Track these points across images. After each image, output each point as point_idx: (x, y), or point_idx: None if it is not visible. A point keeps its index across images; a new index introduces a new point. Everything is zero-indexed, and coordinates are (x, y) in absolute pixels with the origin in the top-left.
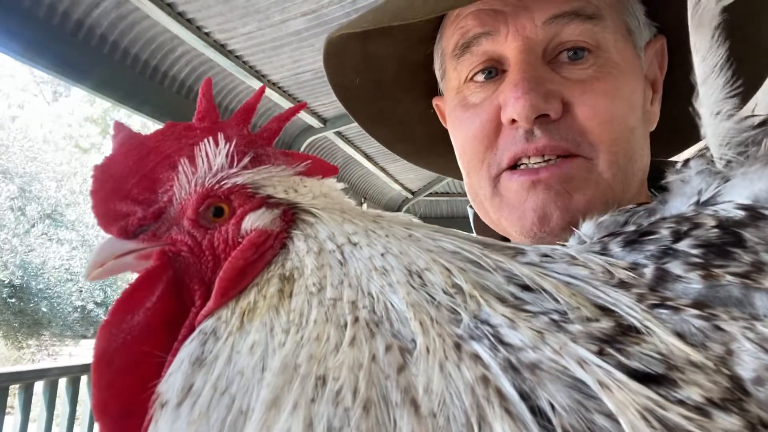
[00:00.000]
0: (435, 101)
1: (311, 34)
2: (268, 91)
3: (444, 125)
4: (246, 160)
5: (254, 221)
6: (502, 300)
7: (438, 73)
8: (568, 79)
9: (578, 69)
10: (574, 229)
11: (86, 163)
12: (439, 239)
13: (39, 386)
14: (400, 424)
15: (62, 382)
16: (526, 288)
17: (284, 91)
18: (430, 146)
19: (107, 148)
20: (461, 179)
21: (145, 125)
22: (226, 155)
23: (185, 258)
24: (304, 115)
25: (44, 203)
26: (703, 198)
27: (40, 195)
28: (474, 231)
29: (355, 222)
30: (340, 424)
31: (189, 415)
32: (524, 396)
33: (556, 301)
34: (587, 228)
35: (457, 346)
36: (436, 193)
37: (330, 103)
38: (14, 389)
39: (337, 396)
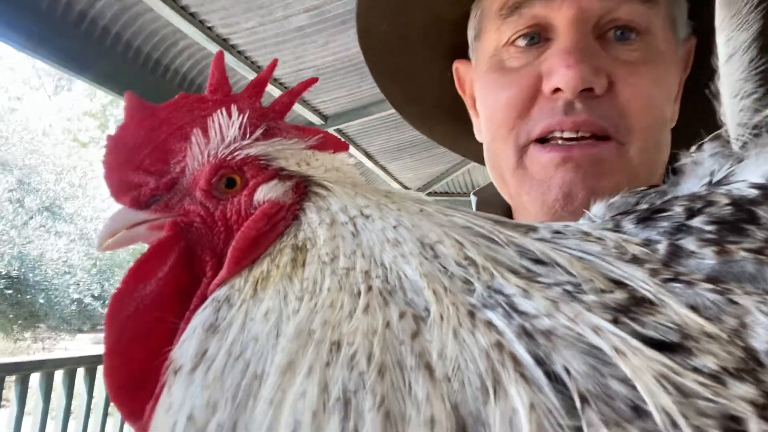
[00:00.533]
0: (456, 64)
1: (313, 30)
2: (270, 88)
3: (459, 91)
4: (259, 132)
5: (267, 193)
6: (515, 272)
7: (471, 33)
8: (616, 58)
9: (626, 49)
10: (585, 210)
11: (85, 157)
12: (450, 214)
13: (35, 379)
14: (415, 388)
15: (58, 375)
16: (539, 262)
17: (286, 87)
18: (437, 112)
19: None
20: (460, 153)
21: None
22: (239, 127)
23: (197, 229)
24: (305, 112)
25: (43, 196)
26: (716, 178)
27: (39, 187)
28: None
29: (368, 196)
30: (355, 387)
31: (203, 380)
32: (539, 361)
33: (570, 274)
34: (597, 209)
35: (471, 314)
36: (436, 192)
37: (331, 101)
38: (10, 382)
39: (352, 360)
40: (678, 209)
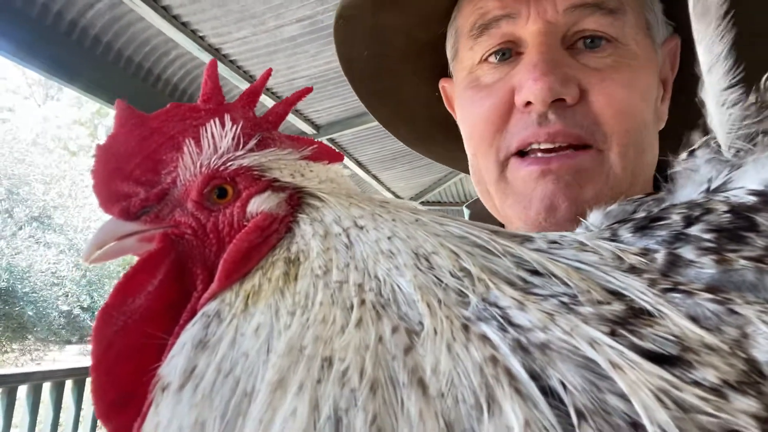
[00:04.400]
0: (442, 83)
1: (306, 40)
2: (263, 98)
3: (448, 109)
4: (252, 142)
5: (260, 204)
6: (511, 284)
7: (450, 53)
8: (586, 66)
9: (596, 57)
10: (581, 219)
11: (75, 166)
12: (446, 224)
13: (22, 391)
14: (407, 405)
15: (46, 387)
16: (535, 273)
17: (278, 97)
18: (431, 132)
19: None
20: (461, 170)
21: None
22: (233, 137)
23: (188, 241)
24: (297, 122)
25: (32, 206)
26: (714, 185)
27: (28, 198)
28: None
29: (362, 206)
30: (346, 405)
31: (192, 398)
32: (534, 376)
33: (566, 285)
34: (594, 217)
35: (465, 328)
36: (428, 201)
37: (324, 110)
38: None
39: (344, 377)
40: (676, 217)
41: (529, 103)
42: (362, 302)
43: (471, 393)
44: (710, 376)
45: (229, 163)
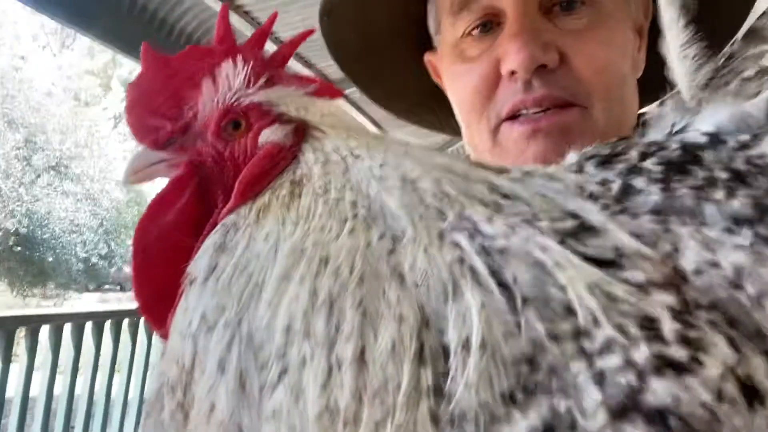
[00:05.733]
0: (427, 57)
1: None
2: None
3: (436, 80)
4: (262, 80)
5: (269, 135)
6: (485, 204)
7: (432, 28)
8: (564, 30)
9: (572, 19)
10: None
11: (89, 116)
12: (433, 156)
13: (44, 332)
14: (388, 292)
15: (67, 328)
16: (506, 196)
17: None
18: (423, 103)
19: (108, 102)
20: (454, 135)
21: None
22: (244, 76)
23: (209, 167)
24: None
25: (49, 155)
26: (676, 129)
27: (45, 147)
28: None
29: (358, 138)
30: (338, 292)
31: (214, 288)
32: (493, 272)
33: (531, 206)
34: (571, 157)
35: (441, 236)
36: None
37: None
38: (20, 336)
39: (337, 271)
40: (633, 153)
41: (513, 72)
42: (355, 216)
43: (440, 284)
44: (638, 276)
45: (242, 99)
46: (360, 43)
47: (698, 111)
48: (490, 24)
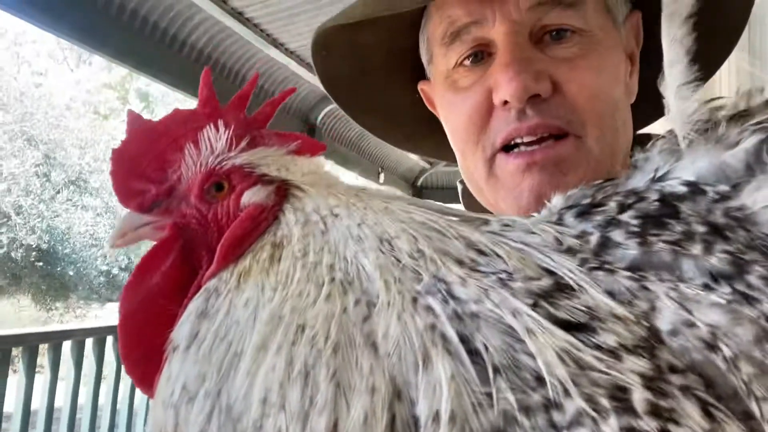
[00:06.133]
0: (420, 86)
1: (328, 2)
2: (286, 60)
3: (430, 109)
4: (243, 142)
5: (251, 197)
6: (460, 263)
7: (424, 58)
8: (555, 58)
9: (563, 48)
10: (546, 201)
11: (107, 130)
12: (411, 212)
13: (67, 347)
14: (361, 362)
15: (89, 342)
16: (482, 253)
17: (302, 60)
18: (418, 131)
19: (125, 115)
20: (450, 160)
21: (166, 94)
22: (226, 139)
23: (194, 229)
24: (318, 81)
25: (68, 170)
26: (658, 175)
27: (64, 162)
28: (462, 205)
29: (339, 196)
30: (314, 362)
31: (195, 356)
32: (464, 339)
33: (507, 263)
34: (557, 201)
35: (414, 300)
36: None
37: None
38: (43, 349)
39: (313, 340)
40: (612, 204)
41: (506, 102)
42: (332, 279)
43: (412, 353)
44: (610, 340)
45: (224, 163)
46: (354, 76)
47: (681, 157)
48: (481, 54)
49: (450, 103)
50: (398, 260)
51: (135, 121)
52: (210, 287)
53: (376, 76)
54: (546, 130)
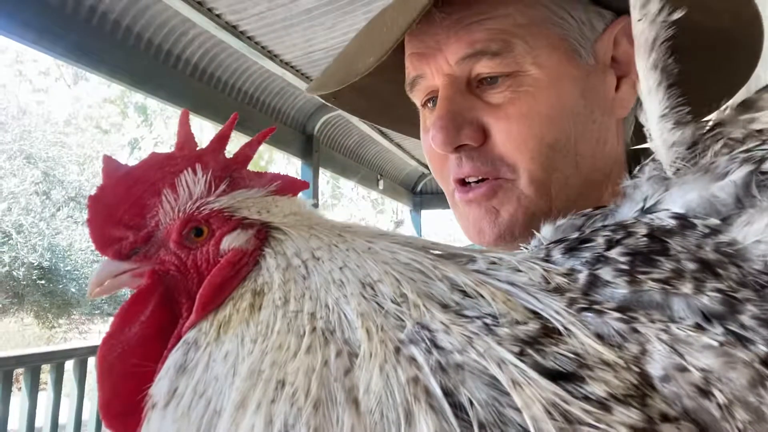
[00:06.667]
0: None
1: (322, 12)
2: (281, 71)
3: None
4: (222, 186)
5: (231, 242)
6: (445, 306)
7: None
8: (489, 104)
9: (495, 93)
10: (535, 232)
11: (108, 145)
12: (396, 251)
13: (69, 365)
14: (342, 419)
15: (91, 361)
16: (467, 295)
17: (297, 71)
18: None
19: (125, 129)
20: None
21: (164, 107)
22: (205, 182)
23: (173, 275)
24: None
25: (68, 187)
26: (647, 205)
27: (64, 179)
28: None
29: (321, 237)
30: (294, 421)
31: (174, 415)
32: (448, 393)
33: (492, 306)
34: (546, 231)
35: (397, 350)
36: None
37: None
38: (46, 369)
39: (293, 397)
40: (600, 240)
41: None
42: (313, 329)
43: (394, 409)
44: (599, 390)
45: (203, 207)
46: (367, 104)
47: (670, 185)
48: (435, 99)
49: (423, 138)
50: (381, 306)
51: (111, 166)
52: (189, 339)
53: (387, 99)
54: (479, 175)
